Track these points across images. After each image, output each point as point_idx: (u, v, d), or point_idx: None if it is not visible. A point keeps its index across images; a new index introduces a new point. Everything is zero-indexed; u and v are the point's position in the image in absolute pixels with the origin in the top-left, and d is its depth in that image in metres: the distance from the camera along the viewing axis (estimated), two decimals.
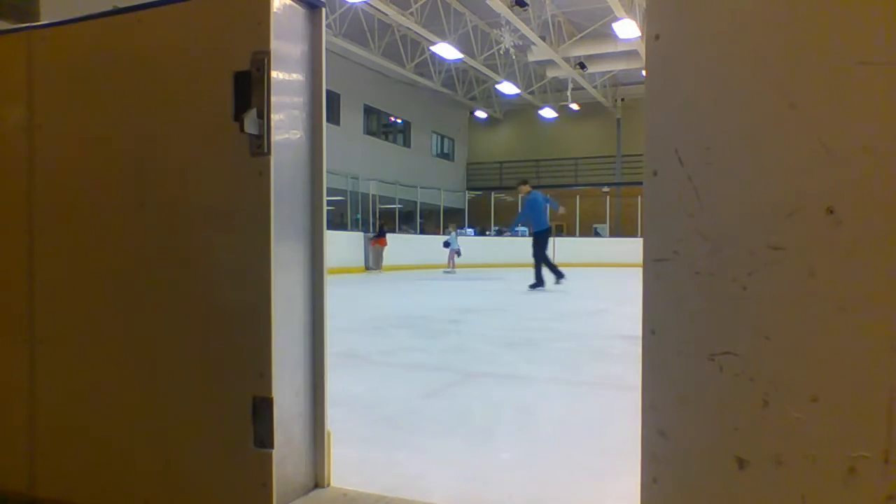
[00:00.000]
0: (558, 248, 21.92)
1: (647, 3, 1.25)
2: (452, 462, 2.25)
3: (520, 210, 11.19)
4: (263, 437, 1.58)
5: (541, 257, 10.43)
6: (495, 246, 22.76)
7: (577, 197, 26.15)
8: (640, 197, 1.81)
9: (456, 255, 18.50)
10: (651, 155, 1.22)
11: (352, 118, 23.46)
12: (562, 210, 11.10)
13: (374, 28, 19.60)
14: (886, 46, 1.05)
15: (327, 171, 1.76)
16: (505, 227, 26.61)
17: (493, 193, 27.56)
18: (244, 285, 1.62)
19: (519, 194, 10.71)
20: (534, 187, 10.74)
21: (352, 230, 19.68)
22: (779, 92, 1.12)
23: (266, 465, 1.58)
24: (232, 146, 1.60)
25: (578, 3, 18.89)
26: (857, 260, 1.07)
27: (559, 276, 10.61)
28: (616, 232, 25.71)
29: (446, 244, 18.56)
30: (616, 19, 16.93)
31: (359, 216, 21.98)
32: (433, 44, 19.37)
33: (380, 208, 22.57)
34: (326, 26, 2.21)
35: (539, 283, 10.42)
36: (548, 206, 10.65)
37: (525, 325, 6.46)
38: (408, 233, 22.44)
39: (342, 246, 16.76)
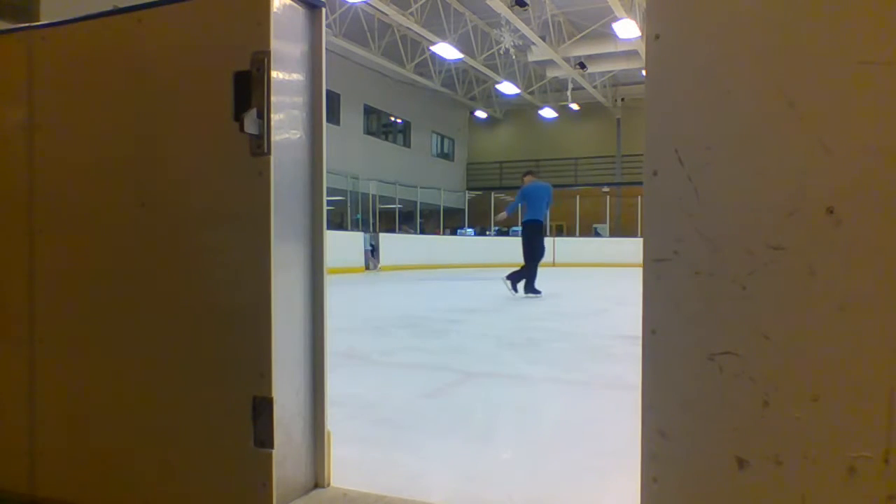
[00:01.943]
0: (558, 247, 21.94)
1: (647, 3, 1.25)
2: (452, 462, 2.25)
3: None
4: (263, 436, 1.58)
5: (525, 251, 9.31)
6: (495, 246, 22.76)
7: (577, 197, 26.15)
8: (640, 197, 1.81)
9: (371, 255, 18.48)
10: (651, 155, 1.22)
11: (352, 118, 23.45)
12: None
13: (374, 28, 19.59)
14: (886, 46, 1.05)
15: (327, 171, 1.76)
16: (505, 227, 26.55)
17: (493, 193, 27.53)
18: (244, 285, 1.62)
19: (525, 183, 9.82)
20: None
21: (352, 230, 19.69)
22: (778, 91, 1.12)
23: (266, 464, 1.58)
24: (232, 146, 1.60)
25: (578, 3, 18.89)
26: (857, 260, 1.07)
27: (514, 286, 9.28)
28: (616, 232, 25.70)
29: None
30: (616, 19, 16.93)
31: (359, 216, 21.98)
32: (433, 44, 19.37)
33: (380, 208, 22.57)
34: (326, 26, 2.21)
35: (523, 283, 9.24)
36: (547, 200, 9.60)
37: (525, 324, 6.46)
38: (408, 233, 22.44)
39: (342, 246, 16.77)
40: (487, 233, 26.30)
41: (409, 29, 19.23)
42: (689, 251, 1.19)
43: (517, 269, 9.49)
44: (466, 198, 28.14)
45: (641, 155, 1.27)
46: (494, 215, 26.23)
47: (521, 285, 9.35)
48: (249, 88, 1.58)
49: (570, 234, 25.91)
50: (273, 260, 1.58)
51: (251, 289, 1.60)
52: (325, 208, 1.76)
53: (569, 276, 9.98)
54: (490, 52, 21.03)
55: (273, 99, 1.59)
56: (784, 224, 1.11)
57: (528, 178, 9.90)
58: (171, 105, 1.72)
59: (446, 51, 19.25)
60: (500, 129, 31.28)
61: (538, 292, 9.28)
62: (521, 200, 9.72)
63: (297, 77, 1.69)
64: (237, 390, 1.61)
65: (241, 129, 1.56)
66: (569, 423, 2.81)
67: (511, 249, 21.90)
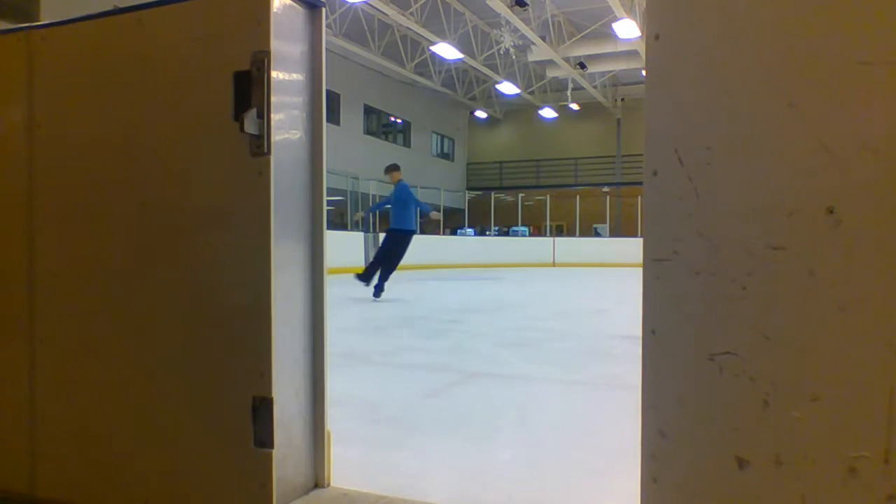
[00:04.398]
0: (558, 247, 21.94)
1: (647, 3, 1.25)
2: (452, 462, 2.25)
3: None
4: (263, 437, 1.58)
5: (388, 257, 8.79)
6: (495, 246, 22.76)
7: (577, 197, 26.16)
8: (640, 197, 1.81)
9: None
10: (651, 155, 1.22)
11: (352, 118, 23.45)
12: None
13: (374, 28, 19.59)
14: (886, 46, 1.05)
15: (327, 171, 1.76)
16: (505, 226, 26.49)
17: (493, 193, 27.53)
18: (244, 285, 1.62)
19: (393, 181, 8.81)
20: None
21: (352, 230, 19.68)
22: (778, 92, 1.12)
23: (266, 465, 1.58)
24: (232, 146, 1.60)
25: (578, 3, 18.89)
26: (857, 260, 1.07)
27: (377, 289, 8.80)
28: (616, 232, 25.71)
29: None
30: (616, 19, 16.93)
31: None
32: (433, 44, 19.36)
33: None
34: (326, 26, 2.21)
35: (368, 281, 8.74)
36: (416, 206, 8.86)
37: (525, 324, 6.46)
38: None
39: (342, 246, 16.75)
40: (487, 233, 26.30)
41: (409, 29, 19.23)
42: (689, 251, 1.18)
43: (363, 271, 8.92)
44: (466, 198, 28.12)
45: (641, 155, 1.27)
46: (495, 216, 26.28)
47: (378, 281, 8.83)
48: (249, 88, 1.58)
49: (570, 234, 25.94)
50: (273, 260, 1.58)
51: (251, 289, 1.60)
52: (325, 208, 1.76)
53: (568, 276, 9.97)
54: (490, 52, 21.02)
55: (273, 99, 1.59)
56: (784, 224, 1.11)
57: (396, 175, 8.89)
58: (171, 105, 1.72)
59: (446, 51, 19.24)
60: (500, 129, 31.28)
61: (367, 285, 8.80)
62: (389, 202, 8.87)
63: (297, 77, 1.69)
64: (237, 390, 1.61)
65: (241, 129, 1.56)
66: (569, 423, 2.81)
67: (511, 249, 21.99)
